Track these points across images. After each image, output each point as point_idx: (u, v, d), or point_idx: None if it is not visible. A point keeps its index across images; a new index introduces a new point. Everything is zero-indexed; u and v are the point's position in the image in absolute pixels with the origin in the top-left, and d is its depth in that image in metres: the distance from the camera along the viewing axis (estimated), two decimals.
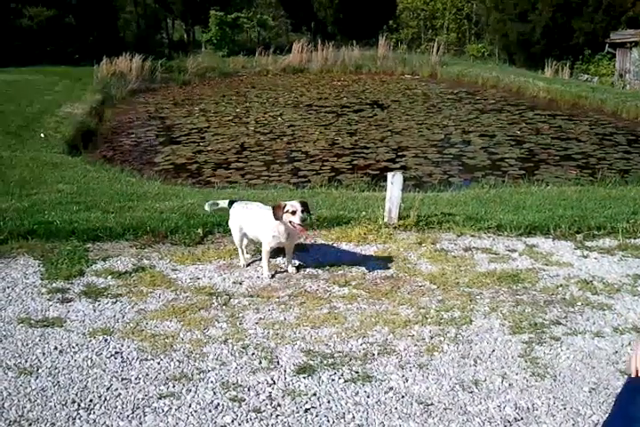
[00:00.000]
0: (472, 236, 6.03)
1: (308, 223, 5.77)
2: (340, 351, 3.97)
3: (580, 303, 4.65)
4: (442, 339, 4.14)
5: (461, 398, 3.52)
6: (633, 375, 2.31)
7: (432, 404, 3.46)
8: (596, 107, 17.29)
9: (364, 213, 6.38)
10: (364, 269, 5.23)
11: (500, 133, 13.93)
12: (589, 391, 3.57)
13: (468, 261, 5.41)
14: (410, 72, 25.36)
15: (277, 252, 5.33)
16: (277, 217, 4.84)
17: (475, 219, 6.30)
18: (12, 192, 7.28)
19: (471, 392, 3.57)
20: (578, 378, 3.70)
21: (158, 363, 3.82)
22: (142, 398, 3.47)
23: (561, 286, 4.96)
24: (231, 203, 5.43)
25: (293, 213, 4.79)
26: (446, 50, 28.72)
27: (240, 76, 25.77)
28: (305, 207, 4.88)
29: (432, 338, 4.14)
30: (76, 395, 3.49)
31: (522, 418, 3.35)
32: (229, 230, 5.44)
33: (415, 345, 4.06)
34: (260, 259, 5.19)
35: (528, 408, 3.42)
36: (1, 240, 5.59)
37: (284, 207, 4.82)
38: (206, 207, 5.61)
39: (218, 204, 5.58)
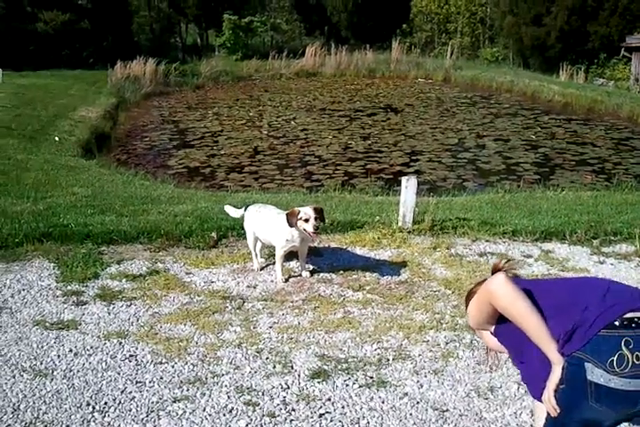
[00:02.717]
0: (487, 241, 5.99)
1: (321, 228, 5.76)
2: (354, 356, 3.95)
3: None
4: (457, 345, 4.11)
5: (477, 404, 3.49)
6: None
7: (447, 410, 3.44)
8: (612, 111, 17.20)
9: (377, 217, 6.36)
10: (378, 273, 5.21)
11: (515, 138, 13.88)
12: None
13: (484, 267, 5.36)
14: (423, 76, 25.35)
15: (291, 256, 5.32)
16: (291, 224, 4.82)
17: (490, 224, 6.27)
18: (27, 195, 7.32)
19: (487, 399, 3.54)
20: None
21: (172, 366, 3.82)
22: (156, 402, 3.47)
23: None
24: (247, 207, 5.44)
25: (306, 220, 4.78)
26: (460, 54, 28.71)
27: (253, 79, 25.85)
28: (319, 214, 4.84)
29: (447, 344, 4.12)
30: (91, 398, 3.49)
31: None
32: (243, 234, 5.44)
33: (430, 351, 4.03)
34: (274, 263, 5.18)
35: None
36: (16, 243, 5.61)
37: (297, 214, 4.81)
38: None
39: (233, 211, 5.59)
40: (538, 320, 2.21)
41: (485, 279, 2.54)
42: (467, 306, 2.60)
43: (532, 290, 2.31)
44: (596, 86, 21.25)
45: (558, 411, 2.21)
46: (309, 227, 4.76)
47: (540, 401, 2.29)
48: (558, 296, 2.32)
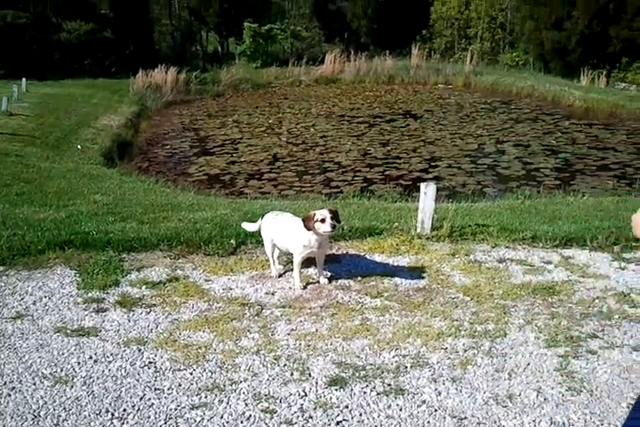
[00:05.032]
0: (506, 247, 5.95)
1: (339, 233, 5.77)
2: (372, 364, 3.95)
3: (617, 316, 4.56)
4: (475, 352, 4.08)
5: (495, 412, 3.47)
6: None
7: (466, 418, 3.42)
8: (634, 116, 17.03)
9: (396, 223, 6.35)
10: (396, 280, 5.20)
11: (535, 143, 13.79)
12: (627, 407, 3.49)
13: (503, 273, 5.34)
14: (443, 82, 25.29)
15: (309, 263, 5.33)
16: (308, 227, 4.84)
17: (509, 230, 6.23)
18: (49, 203, 7.41)
19: (505, 406, 3.51)
20: (615, 393, 3.62)
21: (191, 373, 3.84)
22: (175, 409, 3.49)
23: (597, 298, 4.86)
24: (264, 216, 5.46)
25: (323, 220, 4.79)
26: (480, 59, 28.58)
27: (273, 87, 25.98)
28: (334, 215, 4.87)
29: (465, 351, 4.09)
30: (110, 404, 3.52)
31: None
32: (261, 241, 5.47)
33: (448, 358, 4.01)
34: (292, 270, 5.19)
35: (564, 423, 3.36)
36: (39, 250, 5.68)
37: (313, 216, 4.83)
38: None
39: (250, 226, 5.62)
40: None
41: None
42: None
43: None
44: (618, 90, 21.05)
45: None
46: (327, 227, 4.77)
47: None
48: None
